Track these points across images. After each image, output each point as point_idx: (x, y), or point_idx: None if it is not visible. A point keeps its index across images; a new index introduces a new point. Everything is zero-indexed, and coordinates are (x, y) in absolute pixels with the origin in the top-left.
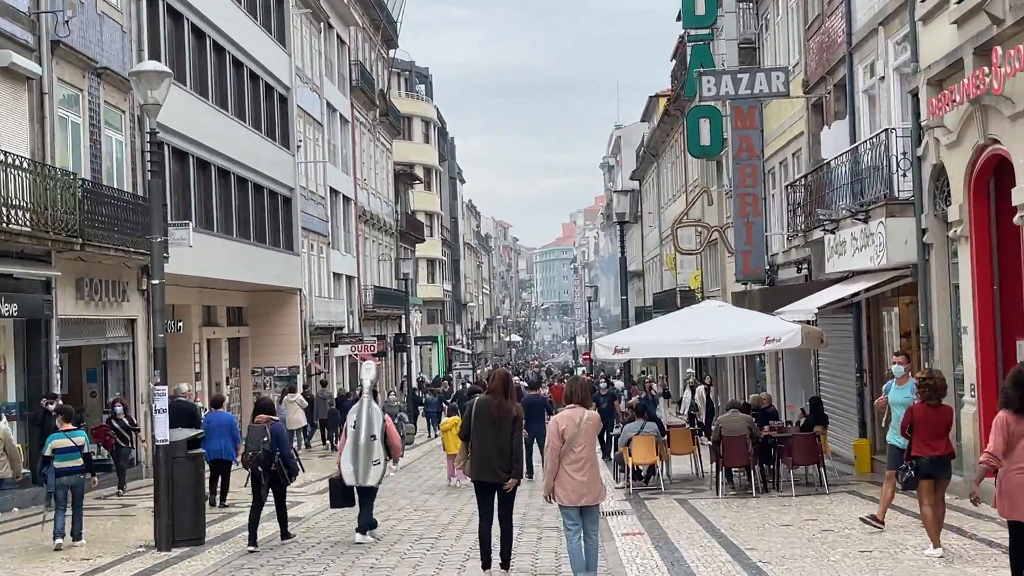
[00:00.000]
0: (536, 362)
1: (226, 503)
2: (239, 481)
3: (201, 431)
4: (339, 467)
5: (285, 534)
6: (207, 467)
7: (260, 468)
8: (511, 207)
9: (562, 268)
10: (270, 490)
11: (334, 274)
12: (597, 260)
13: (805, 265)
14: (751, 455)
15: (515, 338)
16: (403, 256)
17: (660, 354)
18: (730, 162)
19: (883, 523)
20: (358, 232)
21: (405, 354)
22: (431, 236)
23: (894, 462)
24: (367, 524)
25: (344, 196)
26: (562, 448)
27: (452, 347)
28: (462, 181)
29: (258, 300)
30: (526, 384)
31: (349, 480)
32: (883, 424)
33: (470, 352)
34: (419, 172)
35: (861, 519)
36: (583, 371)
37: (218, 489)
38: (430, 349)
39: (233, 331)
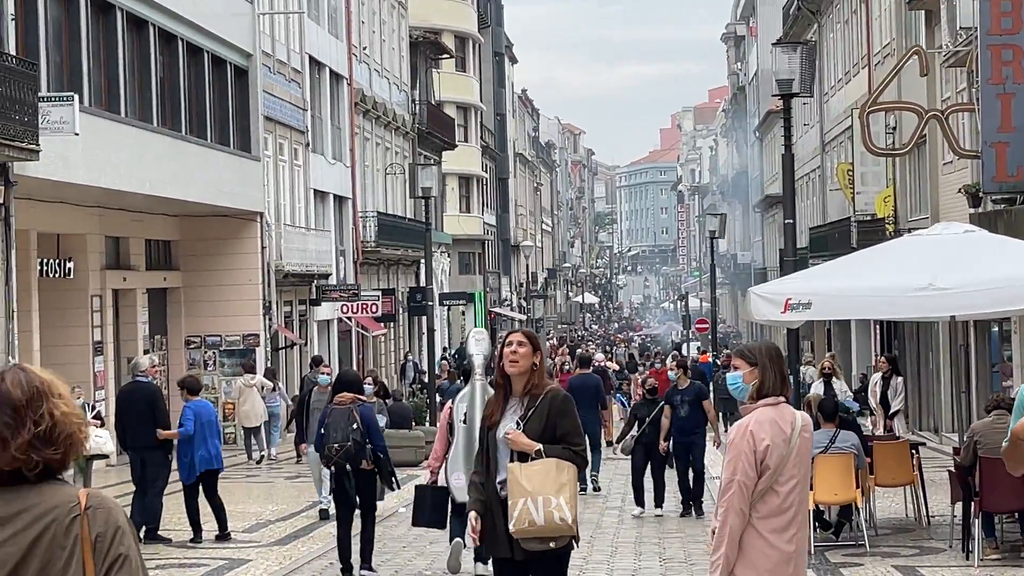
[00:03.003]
0: (622, 336)
1: (227, 532)
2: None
3: (175, 432)
4: (433, 475)
5: (367, 565)
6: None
7: (349, 467)
8: (583, 105)
9: (658, 195)
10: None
11: (316, 192)
12: (715, 182)
13: None
14: None
15: (590, 298)
16: (422, 163)
17: (866, 313)
18: None
19: None
20: (354, 129)
21: (424, 319)
22: (466, 141)
23: None
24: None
25: (332, 72)
26: (758, 486)
27: (496, 310)
28: (513, 60)
29: (195, 230)
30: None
31: (462, 495)
32: None
33: (523, 318)
34: (448, 42)
35: None
36: (698, 348)
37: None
38: (462, 313)
39: (155, 278)
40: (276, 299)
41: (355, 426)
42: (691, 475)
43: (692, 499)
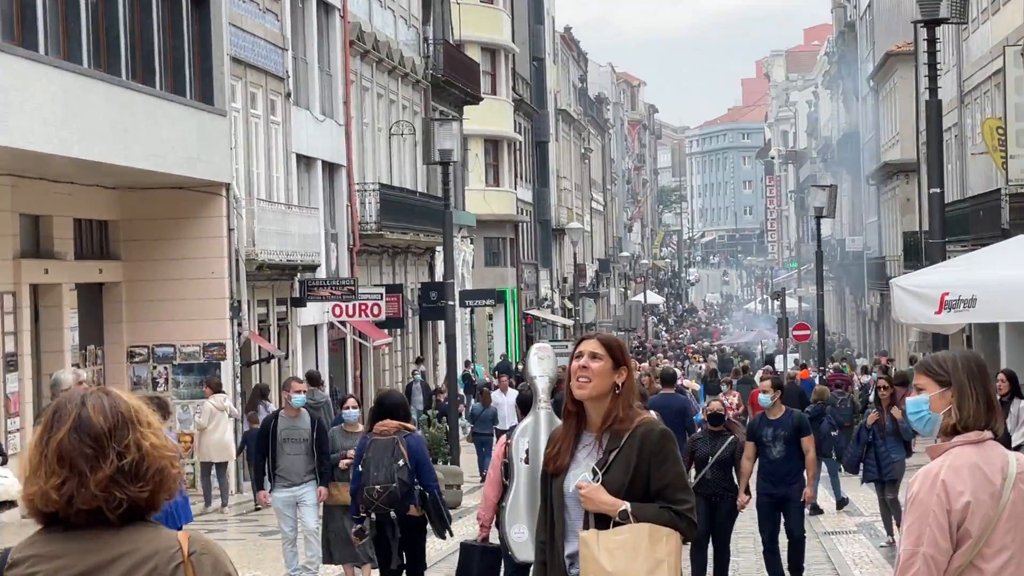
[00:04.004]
0: (696, 346)
1: None
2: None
3: None
4: (484, 530)
5: None
6: None
7: (394, 514)
8: (643, 49)
9: (740, 165)
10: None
11: (299, 158)
12: (815, 147)
13: None
14: None
15: (653, 297)
16: (439, 118)
17: None
18: None
19: None
20: (349, 76)
21: (442, 324)
22: (494, 93)
23: None
24: None
25: (321, 1)
26: (953, 563)
27: (532, 312)
28: None
29: (140, 207)
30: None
31: (524, 554)
32: None
33: (569, 323)
34: None
35: None
36: (796, 362)
37: None
38: (490, 317)
39: (87, 270)
40: (248, 298)
41: (401, 463)
42: (783, 545)
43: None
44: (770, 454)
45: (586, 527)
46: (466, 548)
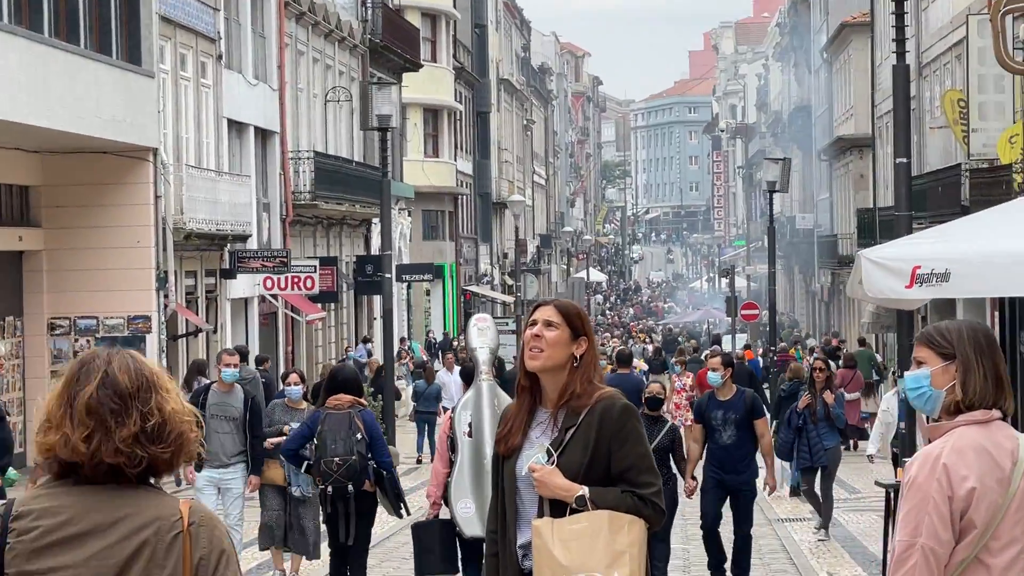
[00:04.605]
0: (641, 325)
1: None
2: None
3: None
4: (435, 507)
5: None
6: None
7: (351, 489)
8: (588, 19)
9: (686, 139)
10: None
11: (231, 123)
12: (765, 121)
13: None
14: None
15: (596, 275)
16: (374, 82)
17: None
18: None
19: None
20: (283, 40)
21: (379, 299)
22: (434, 60)
23: None
24: None
25: None
26: (955, 556)
27: (472, 288)
28: None
29: (62, 172)
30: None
31: (471, 528)
32: None
33: (510, 299)
34: None
35: None
36: (746, 344)
37: None
38: (427, 292)
39: (6, 237)
40: (175, 268)
41: (359, 436)
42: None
43: None
44: (720, 439)
45: (540, 514)
46: (419, 528)
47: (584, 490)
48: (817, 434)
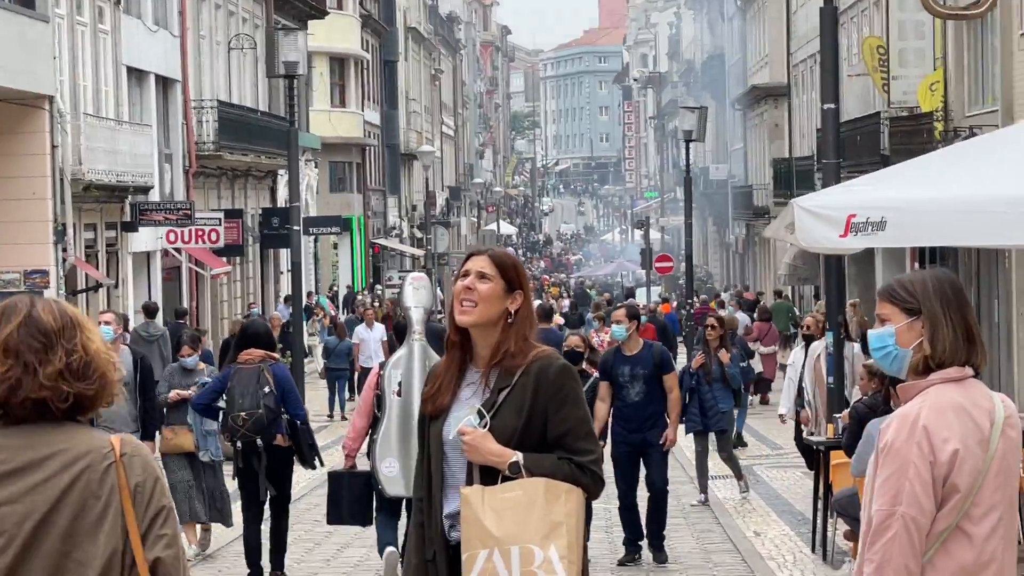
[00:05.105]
0: (554, 279)
1: None
2: None
3: None
4: (350, 459)
5: (279, 565)
6: None
7: (260, 443)
8: None
9: (596, 90)
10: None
11: (130, 71)
12: (677, 70)
13: None
14: None
15: (506, 227)
16: (280, 28)
17: (977, 238)
18: None
19: None
20: None
21: (287, 252)
22: (339, 8)
23: None
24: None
25: None
26: (936, 525)
27: (380, 242)
28: None
29: None
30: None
31: (394, 488)
32: None
33: (420, 252)
34: None
35: None
36: (661, 296)
37: None
38: (334, 245)
39: None
40: (73, 221)
41: (267, 390)
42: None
43: (651, 538)
44: (627, 396)
45: (469, 482)
46: (335, 476)
47: (518, 456)
48: (712, 396)
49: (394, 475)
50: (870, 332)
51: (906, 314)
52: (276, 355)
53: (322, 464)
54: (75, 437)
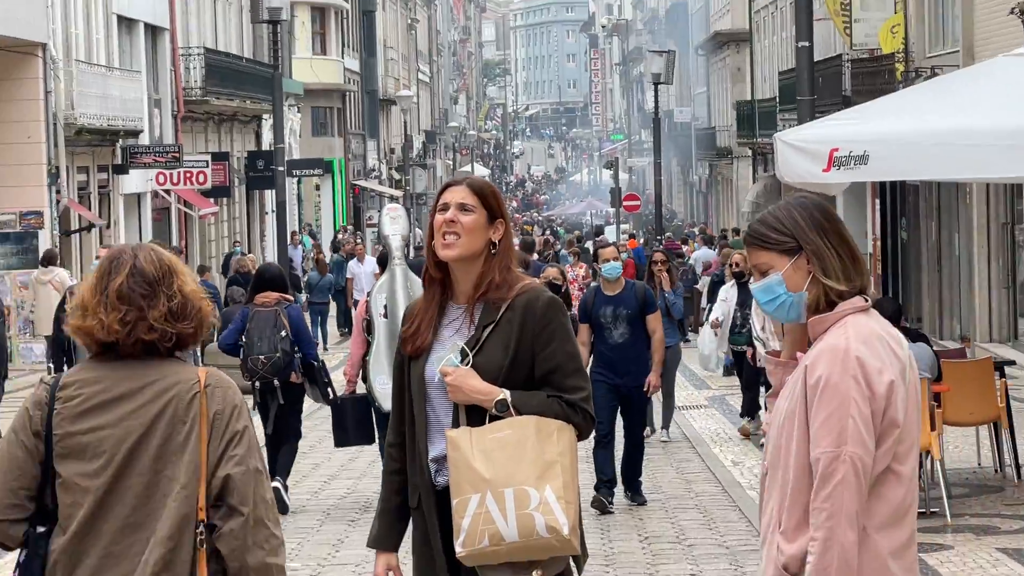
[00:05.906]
0: (527, 218)
1: None
2: None
3: None
4: (351, 384)
5: (282, 478)
6: None
7: (277, 383)
8: None
9: (563, 38)
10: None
11: (120, 19)
12: (641, 18)
13: None
14: None
15: (481, 170)
16: None
17: (964, 171)
18: None
19: None
20: None
21: (272, 193)
22: None
23: None
24: None
25: None
26: (877, 463)
27: (360, 183)
28: None
29: None
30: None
31: (388, 403)
32: None
33: (398, 194)
34: None
35: None
36: (631, 234)
37: None
38: (317, 187)
39: None
40: (67, 164)
41: (283, 333)
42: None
43: (627, 483)
44: (610, 338)
45: (455, 424)
46: (339, 403)
47: (505, 393)
48: None
49: (387, 391)
50: (753, 287)
51: (787, 256)
52: (290, 296)
53: (334, 396)
54: (168, 370)
